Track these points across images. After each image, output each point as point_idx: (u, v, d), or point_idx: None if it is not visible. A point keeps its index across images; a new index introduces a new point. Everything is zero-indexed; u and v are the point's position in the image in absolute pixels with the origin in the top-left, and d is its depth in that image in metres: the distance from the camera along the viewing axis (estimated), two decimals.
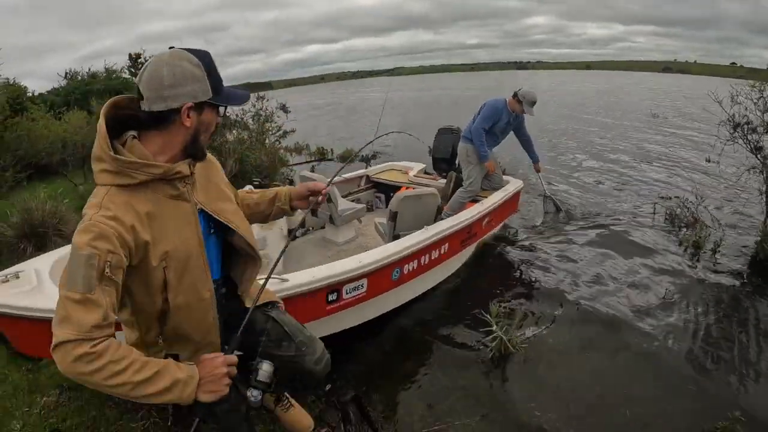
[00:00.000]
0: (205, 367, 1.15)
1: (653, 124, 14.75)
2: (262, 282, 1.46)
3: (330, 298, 2.76)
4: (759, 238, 4.57)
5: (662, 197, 6.51)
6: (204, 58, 1.17)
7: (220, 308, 1.38)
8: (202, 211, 1.31)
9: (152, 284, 1.17)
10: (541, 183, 5.83)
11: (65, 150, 9.10)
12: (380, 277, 3.01)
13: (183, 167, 1.21)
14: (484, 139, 4.41)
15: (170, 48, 1.18)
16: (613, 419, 2.58)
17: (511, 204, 4.88)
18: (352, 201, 4.93)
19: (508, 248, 4.82)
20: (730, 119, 4.83)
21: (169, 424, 2.42)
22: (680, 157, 9.54)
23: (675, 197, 6.11)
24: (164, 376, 1.06)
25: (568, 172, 8.57)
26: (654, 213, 5.84)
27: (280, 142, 8.01)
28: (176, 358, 1.23)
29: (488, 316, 3.13)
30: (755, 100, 4.66)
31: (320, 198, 1.65)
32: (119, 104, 1.17)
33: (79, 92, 15.39)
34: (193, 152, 1.23)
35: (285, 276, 2.58)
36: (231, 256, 1.49)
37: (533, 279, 4.23)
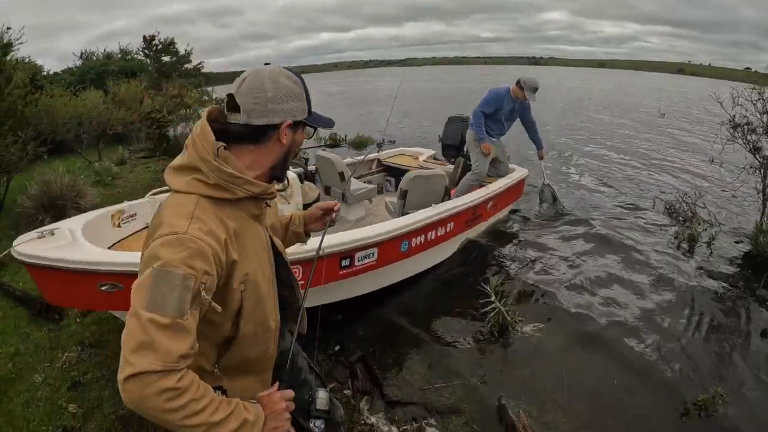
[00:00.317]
0: (265, 404, 1.08)
1: (659, 123, 14.83)
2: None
3: (343, 263, 2.98)
4: (753, 234, 4.74)
5: (663, 192, 6.69)
6: (299, 76, 1.15)
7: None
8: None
9: (228, 307, 1.07)
10: (542, 170, 5.98)
11: (80, 127, 9.31)
12: (390, 248, 3.23)
13: (274, 188, 1.17)
14: (482, 122, 4.63)
15: (266, 64, 1.15)
16: (599, 384, 2.82)
17: (515, 190, 5.08)
18: (364, 183, 5.14)
19: (509, 233, 5.04)
20: (731, 120, 5.00)
21: None
22: (685, 156, 9.68)
23: (675, 193, 6.28)
24: (236, 417, 0.98)
25: (572, 164, 8.77)
26: (654, 207, 6.02)
27: None
28: (222, 390, 1.12)
29: (488, 289, 3.34)
30: (754, 101, 4.82)
31: (334, 215, 1.58)
32: (210, 114, 1.13)
33: (94, 72, 15.61)
34: (280, 172, 1.19)
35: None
36: None
37: (531, 261, 4.44)
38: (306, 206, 4.03)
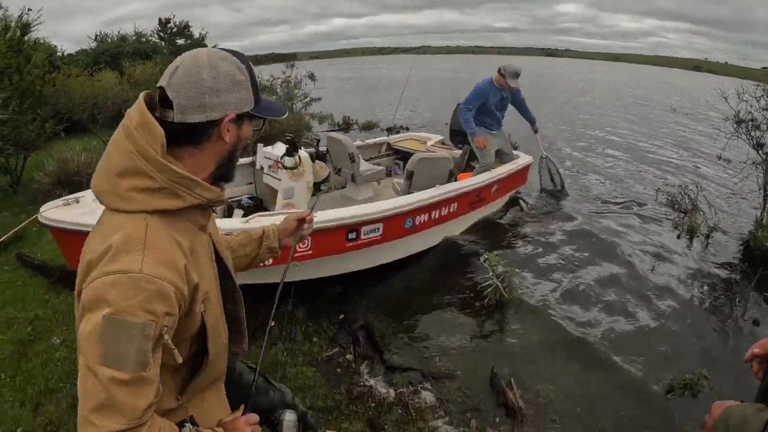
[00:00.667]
0: (230, 431, 1.02)
1: (671, 117, 14.75)
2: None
3: (350, 236, 3.14)
4: (752, 228, 4.82)
5: (666, 184, 6.75)
6: (243, 59, 0.97)
7: None
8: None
9: (187, 333, 0.94)
10: (539, 144, 5.98)
11: (96, 107, 9.53)
12: (395, 223, 3.39)
13: (224, 194, 1.02)
14: (469, 117, 4.71)
15: (212, 47, 1.01)
16: (588, 361, 2.96)
17: (519, 176, 5.20)
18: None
19: (512, 217, 5.18)
20: (736, 115, 5.07)
21: None
22: (688, 152, 9.64)
23: (678, 185, 6.34)
24: None
25: (581, 154, 8.83)
26: (656, 199, 6.10)
27: (306, 109, 8.28)
28: (193, 422, 1.02)
29: (487, 266, 3.49)
30: (757, 98, 4.89)
31: (306, 225, 1.46)
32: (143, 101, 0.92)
33: (109, 54, 15.84)
34: (226, 173, 1.01)
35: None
36: None
37: (531, 243, 4.58)
38: (316, 185, 4.19)
